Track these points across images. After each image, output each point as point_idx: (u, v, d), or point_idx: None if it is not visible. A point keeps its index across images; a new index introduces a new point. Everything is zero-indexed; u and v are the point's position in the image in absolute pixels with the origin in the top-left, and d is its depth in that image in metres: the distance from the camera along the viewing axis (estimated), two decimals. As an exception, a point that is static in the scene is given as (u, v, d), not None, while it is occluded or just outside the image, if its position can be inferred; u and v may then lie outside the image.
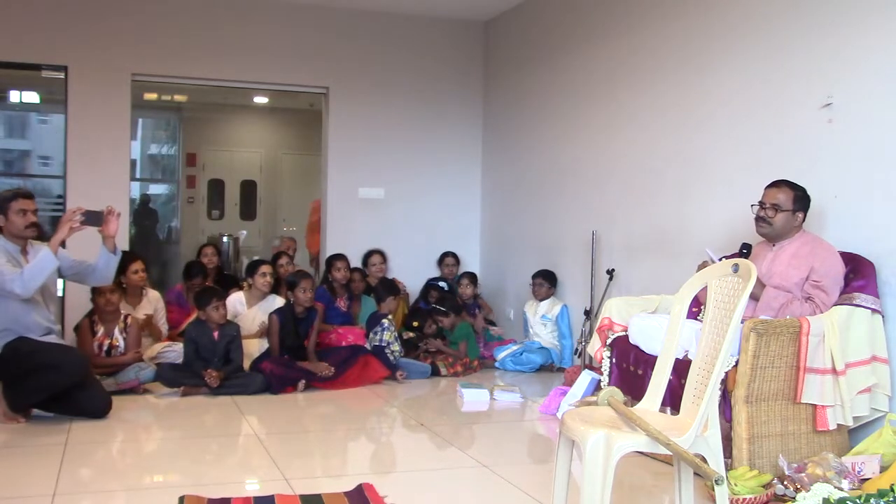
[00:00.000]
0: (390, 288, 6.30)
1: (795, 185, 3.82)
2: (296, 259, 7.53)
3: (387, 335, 5.85)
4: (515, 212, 7.17)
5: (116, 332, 5.21)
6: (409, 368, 5.82)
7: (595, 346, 4.34)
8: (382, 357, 5.75)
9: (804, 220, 3.83)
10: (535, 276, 6.39)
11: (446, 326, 6.24)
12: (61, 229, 4.36)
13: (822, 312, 3.58)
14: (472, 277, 7.06)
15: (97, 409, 4.40)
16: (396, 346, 5.88)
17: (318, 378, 5.36)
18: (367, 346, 5.85)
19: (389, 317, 6.00)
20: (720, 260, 3.99)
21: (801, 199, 3.81)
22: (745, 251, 4.05)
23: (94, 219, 4.46)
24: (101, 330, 5.18)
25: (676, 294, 2.74)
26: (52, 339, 4.43)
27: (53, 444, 3.89)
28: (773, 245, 3.87)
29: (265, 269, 6.01)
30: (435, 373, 5.94)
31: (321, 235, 7.61)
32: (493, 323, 7.14)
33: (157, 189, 12.71)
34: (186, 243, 10.88)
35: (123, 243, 6.70)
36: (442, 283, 6.90)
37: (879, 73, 3.69)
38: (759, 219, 3.86)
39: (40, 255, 4.26)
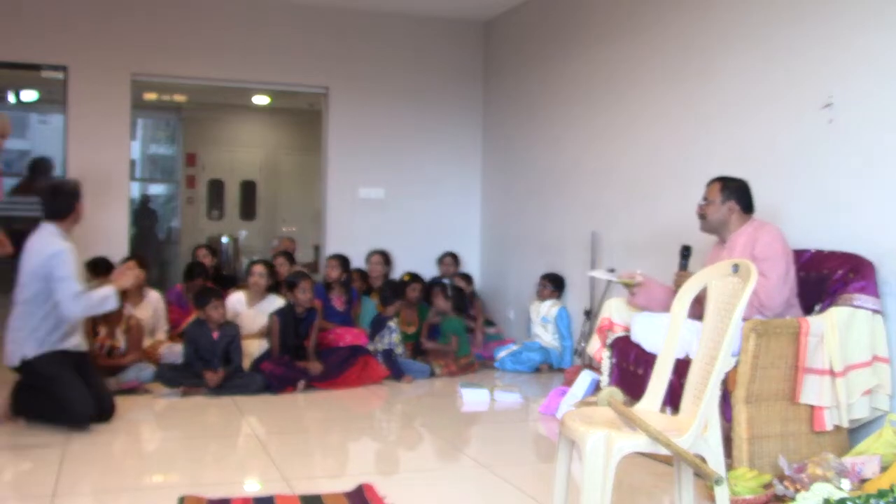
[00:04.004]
0: (396, 291, 6.25)
1: (728, 177, 3.91)
2: (296, 256, 7.53)
3: (395, 337, 5.86)
4: (515, 212, 7.17)
5: (118, 332, 5.20)
6: (409, 369, 5.82)
7: (595, 347, 4.34)
8: (392, 361, 5.75)
9: (744, 209, 3.86)
10: (541, 277, 6.41)
11: (440, 308, 6.29)
12: (126, 279, 4.49)
13: (762, 297, 3.58)
14: (466, 278, 7.10)
15: (103, 411, 4.35)
16: (400, 349, 5.90)
17: (317, 378, 5.36)
18: (372, 348, 5.84)
19: (395, 319, 6.00)
20: (611, 271, 4.07)
21: (730, 189, 3.87)
22: (686, 253, 4.09)
23: None
24: (103, 331, 5.17)
25: (676, 294, 2.73)
26: (76, 342, 4.36)
27: (53, 444, 3.89)
28: (725, 242, 3.90)
29: (257, 269, 6.02)
30: (430, 374, 5.94)
31: (321, 235, 7.63)
32: (491, 323, 7.14)
33: (157, 189, 12.71)
34: (186, 243, 10.87)
35: (123, 243, 6.74)
36: (446, 280, 6.92)
37: (879, 73, 3.70)
38: (698, 216, 3.98)
39: (106, 291, 4.27)
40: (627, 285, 4.13)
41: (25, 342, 4.20)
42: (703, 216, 3.97)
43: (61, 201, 4.36)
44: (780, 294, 3.61)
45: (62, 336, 4.27)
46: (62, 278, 4.15)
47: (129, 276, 4.51)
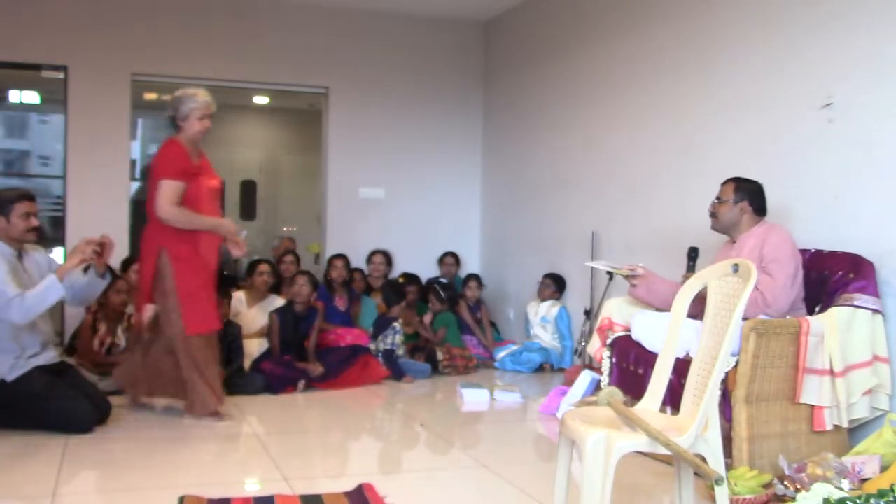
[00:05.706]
0: (398, 292, 6.24)
1: (742, 178, 3.91)
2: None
3: (398, 338, 5.87)
4: (515, 212, 7.17)
5: (119, 330, 5.20)
6: (409, 369, 5.82)
7: (595, 346, 4.34)
8: (393, 362, 5.75)
9: (757, 211, 3.86)
10: (543, 277, 6.41)
11: (434, 309, 6.40)
12: (72, 259, 4.10)
13: (768, 298, 3.59)
14: (478, 280, 7.06)
15: (100, 412, 4.31)
16: (401, 350, 5.90)
17: (317, 378, 5.36)
18: (373, 347, 5.84)
19: (400, 320, 6.00)
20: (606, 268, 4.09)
21: (744, 190, 3.87)
22: (693, 255, 4.09)
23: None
24: (103, 328, 5.17)
25: (676, 294, 2.73)
26: (51, 356, 4.27)
27: (53, 444, 3.89)
28: (735, 242, 3.90)
29: (262, 268, 6.03)
30: (432, 363, 5.97)
31: (322, 235, 7.63)
32: (494, 327, 7.14)
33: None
34: (186, 243, 10.86)
35: (123, 244, 6.72)
36: (443, 279, 6.91)
37: (879, 73, 3.69)
38: (710, 215, 3.98)
39: (46, 282, 4.00)
40: (626, 276, 4.14)
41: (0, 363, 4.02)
42: (714, 215, 3.96)
43: None
44: (786, 296, 3.62)
45: (36, 353, 4.14)
46: None
47: (76, 259, 4.08)
